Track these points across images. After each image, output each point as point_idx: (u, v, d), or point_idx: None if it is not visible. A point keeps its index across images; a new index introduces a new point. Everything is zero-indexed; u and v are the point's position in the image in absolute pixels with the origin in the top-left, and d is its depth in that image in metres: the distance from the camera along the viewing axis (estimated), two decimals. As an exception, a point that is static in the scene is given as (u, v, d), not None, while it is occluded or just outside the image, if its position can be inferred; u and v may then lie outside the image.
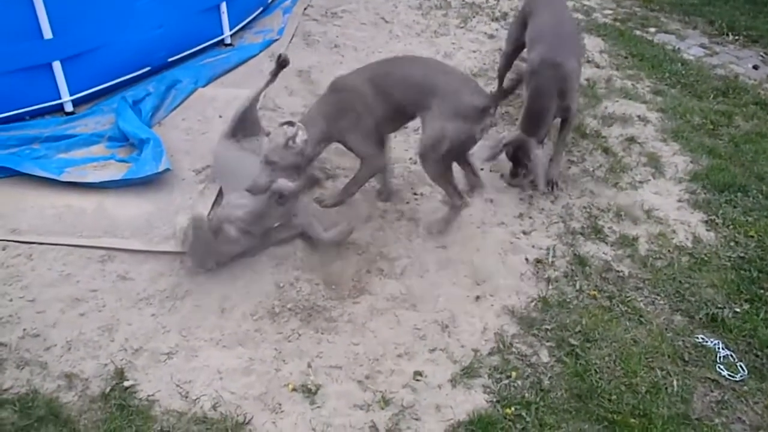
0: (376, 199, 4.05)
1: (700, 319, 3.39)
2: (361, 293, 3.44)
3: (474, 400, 2.92)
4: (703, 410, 2.95)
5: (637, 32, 6.88)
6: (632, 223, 4.02)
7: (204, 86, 5.11)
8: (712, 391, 3.05)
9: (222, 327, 3.20)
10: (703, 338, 3.28)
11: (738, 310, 3.45)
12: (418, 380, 2.99)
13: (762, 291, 3.56)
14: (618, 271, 3.67)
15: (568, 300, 3.45)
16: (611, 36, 6.61)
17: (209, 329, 3.19)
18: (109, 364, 2.97)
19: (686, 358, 3.18)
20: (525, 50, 4.58)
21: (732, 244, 3.90)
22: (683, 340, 3.27)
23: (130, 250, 3.56)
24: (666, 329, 3.32)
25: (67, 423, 2.71)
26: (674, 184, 4.41)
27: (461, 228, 3.90)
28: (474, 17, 6.83)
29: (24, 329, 3.10)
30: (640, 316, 3.38)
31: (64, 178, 3.96)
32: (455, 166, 3.79)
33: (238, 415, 2.78)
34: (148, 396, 2.85)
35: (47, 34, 4.35)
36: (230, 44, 5.80)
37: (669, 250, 3.82)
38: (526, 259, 3.71)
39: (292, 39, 5.99)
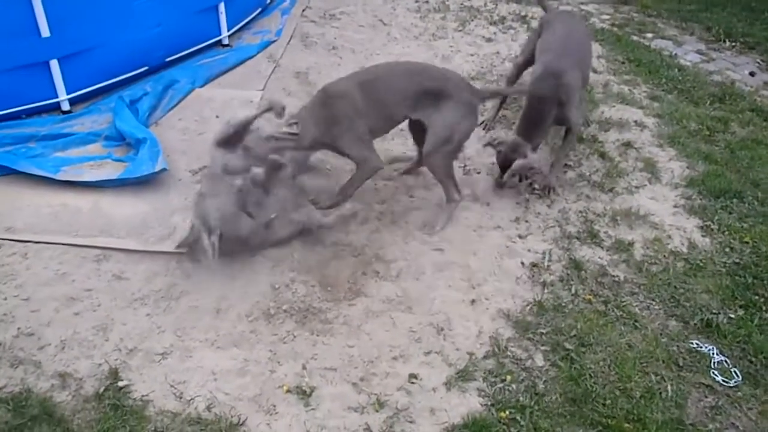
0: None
1: (695, 324, 3.40)
2: (357, 295, 3.44)
3: (469, 403, 2.92)
4: (697, 416, 2.96)
5: (635, 38, 6.91)
6: (628, 228, 4.03)
7: (201, 86, 5.11)
8: (706, 397, 3.05)
9: (217, 328, 3.19)
10: (697, 344, 3.28)
11: (732, 315, 3.45)
12: (412, 383, 2.99)
13: (756, 297, 3.57)
14: (613, 276, 3.67)
15: (563, 304, 3.45)
16: (609, 41, 6.63)
17: (204, 330, 3.18)
18: (103, 364, 2.97)
19: (681, 364, 3.18)
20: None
21: (727, 250, 3.91)
22: (678, 346, 3.27)
23: (125, 250, 3.56)
24: (661, 334, 3.33)
25: (61, 422, 2.70)
26: (670, 190, 4.42)
27: (457, 231, 3.90)
28: (472, 20, 6.84)
29: (18, 328, 3.09)
30: (635, 320, 3.39)
31: (60, 176, 3.95)
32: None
33: (232, 417, 2.78)
34: (142, 396, 2.85)
35: (45, 32, 4.35)
36: (228, 45, 5.80)
37: (664, 256, 3.83)
38: (522, 263, 3.71)
39: (290, 40, 6.00)
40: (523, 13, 7.16)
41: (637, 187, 4.41)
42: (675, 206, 4.26)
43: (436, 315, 3.34)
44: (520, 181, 4.21)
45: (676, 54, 6.57)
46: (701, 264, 3.78)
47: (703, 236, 4.02)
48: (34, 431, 2.66)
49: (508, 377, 3.03)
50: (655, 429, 2.84)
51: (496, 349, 3.17)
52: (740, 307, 3.51)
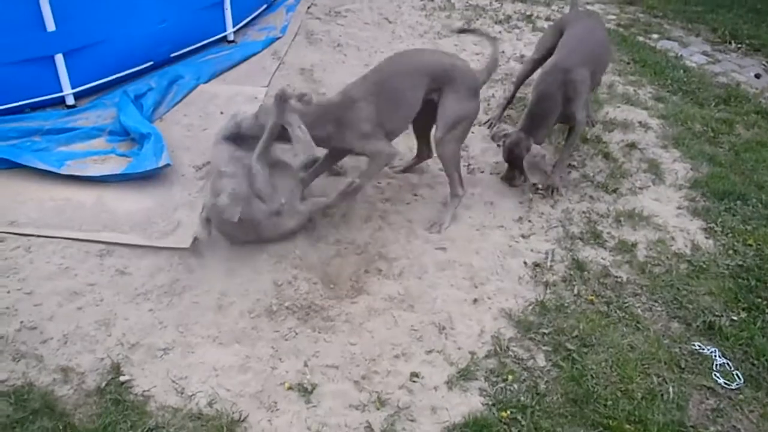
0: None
1: (697, 326, 3.39)
2: (359, 293, 3.44)
3: (470, 402, 2.92)
4: (699, 418, 2.95)
5: (640, 38, 6.89)
6: (631, 229, 4.03)
7: (206, 82, 5.12)
8: (707, 399, 3.05)
9: (219, 324, 3.20)
10: (699, 346, 3.28)
11: (735, 318, 3.45)
12: (414, 381, 2.99)
13: (759, 300, 3.56)
14: (616, 277, 3.67)
15: (565, 304, 3.45)
16: (614, 41, 6.61)
17: (206, 326, 3.18)
18: (105, 359, 2.97)
19: (683, 366, 3.18)
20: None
21: (730, 252, 3.90)
22: (680, 347, 3.27)
23: (128, 245, 3.56)
24: (663, 336, 3.32)
25: (62, 417, 2.71)
26: (674, 191, 4.41)
27: (460, 230, 3.90)
28: (477, 19, 6.84)
29: (21, 322, 3.09)
30: (638, 322, 3.38)
31: (64, 171, 3.96)
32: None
33: (233, 413, 2.78)
34: (144, 391, 2.85)
35: (50, 26, 4.35)
36: (233, 41, 5.80)
37: (667, 257, 3.82)
38: (525, 263, 3.71)
39: (295, 37, 6.00)
40: (528, 13, 7.15)
41: (640, 188, 4.40)
42: (678, 208, 4.26)
43: (438, 314, 3.34)
44: (525, 180, 4.20)
45: (681, 55, 6.56)
46: (704, 266, 3.77)
47: (706, 238, 4.01)
48: (36, 425, 2.67)
49: (510, 377, 3.03)
50: (656, 431, 2.83)
51: (498, 349, 3.17)
52: (743, 309, 3.51)
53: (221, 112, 4.70)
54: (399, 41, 6.17)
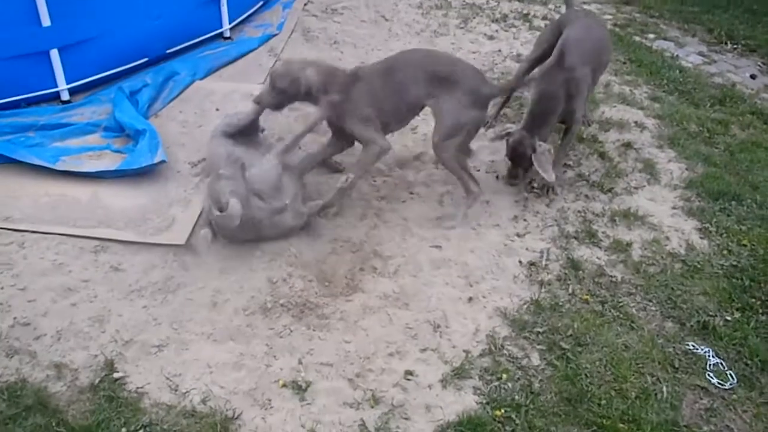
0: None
1: (691, 326, 3.40)
2: (354, 291, 3.44)
3: (464, 401, 2.92)
4: (692, 417, 2.96)
5: (636, 38, 6.90)
6: (626, 229, 4.03)
7: (202, 79, 5.10)
8: (701, 399, 3.05)
9: (213, 321, 3.19)
10: (693, 345, 3.29)
11: (729, 318, 3.46)
12: (408, 380, 2.99)
13: (753, 300, 3.57)
14: (611, 276, 3.67)
15: (560, 303, 3.45)
16: (611, 41, 6.61)
17: (200, 323, 3.18)
18: (99, 355, 2.96)
19: (676, 365, 3.18)
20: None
21: (725, 252, 3.91)
22: (674, 347, 3.28)
23: (123, 241, 3.55)
24: (657, 335, 3.33)
25: (56, 413, 2.70)
26: (669, 191, 4.42)
27: (455, 228, 3.90)
28: (474, 18, 6.83)
29: (14, 318, 3.08)
30: (632, 321, 3.39)
31: (58, 166, 3.95)
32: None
33: (227, 410, 2.78)
34: (138, 388, 2.84)
35: (45, 21, 4.33)
36: (229, 38, 5.78)
37: (662, 257, 3.83)
38: (520, 262, 3.71)
39: (291, 34, 5.98)
40: (525, 11, 7.14)
41: (636, 188, 4.41)
42: (673, 208, 4.26)
43: (433, 312, 3.34)
44: (527, 179, 4.21)
45: (677, 55, 6.57)
46: (699, 266, 3.78)
47: (701, 238, 4.02)
48: (29, 421, 2.66)
49: (504, 376, 3.03)
50: (650, 430, 2.84)
51: (493, 348, 3.17)
52: (737, 309, 3.52)
53: (217, 109, 4.69)
54: (396, 39, 6.16)
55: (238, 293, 3.34)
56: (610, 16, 7.49)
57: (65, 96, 4.68)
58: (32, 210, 3.68)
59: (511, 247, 3.81)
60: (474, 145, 4.14)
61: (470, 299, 3.44)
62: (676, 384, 3.08)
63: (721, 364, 3.21)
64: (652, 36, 7.05)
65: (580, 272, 3.67)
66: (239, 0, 5.88)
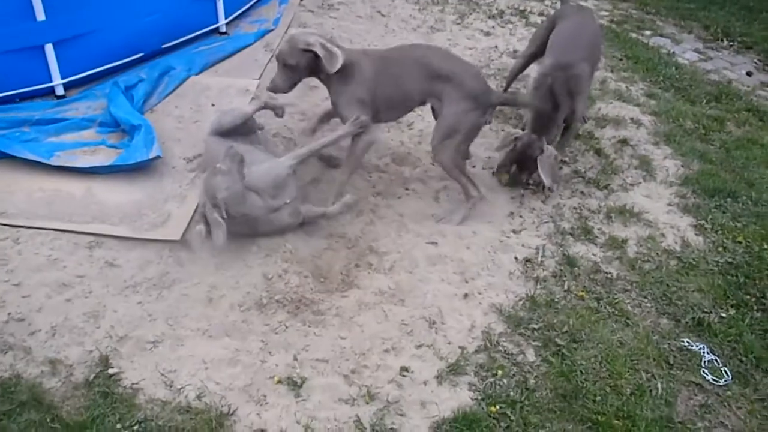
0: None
1: (687, 323, 3.40)
2: (350, 287, 3.43)
3: (459, 397, 2.92)
4: (687, 414, 2.97)
5: (633, 35, 6.90)
6: (622, 225, 4.04)
7: (197, 74, 5.08)
8: (696, 395, 3.06)
9: (209, 317, 3.18)
10: (688, 342, 3.29)
11: (724, 315, 3.46)
12: (404, 376, 2.99)
13: (748, 297, 3.58)
14: (606, 273, 3.68)
15: (555, 300, 3.45)
16: (607, 38, 6.61)
17: (196, 319, 3.17)
18: (93, 351, 2.95)
19: (671, 362, 3.19)
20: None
21: (720, 249, 3.91)
22: (669, 344, 3.28)
23: (118, 237, 3.54)
24: (652, 332, 3.33)
25: (50, 409, 2.69)
26: (665, 188, 4.42)
27: (451, 225, 3.90)
28: (471, 14, 6.82)
29: (9, 313, 3.07)
30: (627, 318, 3.39)
31: (53, 162, 3.93)
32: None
33: (222, 406, 2.77)
34: (133, 384, 2.84)
35: (40, 15, 4.31)
36: (225, 33, 5.76)
37: (657, 254, 3.84)
38: (516, 258, 3.71)
39: (287, 29, 5.96)
40: (521, 8, 7.14)
41: (631, 185, 4.41)
42: (669, 204, 4.27)
43: (429, 308, 3.34)
44: (531, 181, 4.21)
45: (673, 52, 6.57)
46: (694, 263, 3.78)
47: (696, 235, 4.02)
48: (23, 417, 2.65)
49: (499, 372, 3.03)
50: (645, 426, 2.84)
51: (488, 344, 3.17)
52: (732, 306, 3.52)
53: (213, 104, 4.68)
54: (392, 35, 6.15)
55: (234, 289, 3.34)
56: (606, 13, 7.49)
57: (60, 91, 4.66)
58: (27, 205, 3.66)
59: (507, 244, 3.81)
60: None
61: (466, 295, 3.44)
62: (671, 380, 3.09)
63: (716, 360, 3.22)
64: (648, 33, 7.06)
65: (576, 269, 3.67)
66: (235, -5, 5.87)
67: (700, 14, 7.63)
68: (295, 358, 3.02)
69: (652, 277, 3.66)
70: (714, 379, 3.12)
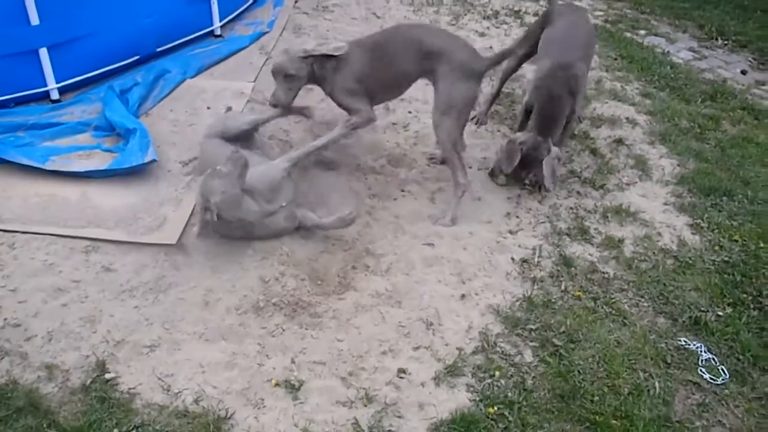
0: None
1: (684, 322, 3.41)
2: (347, 289, 3.43)
3: (457, 398, 2.92)
4: (685, 413, 2.97)
5: (628, 34, 6.91)
6: (618, 225, 4.04)
7: (193, 77, 5.07)
8: (693, 394, 3.07)
9: (205, 320, 3.18)
10: (685, 341, 3.30)
11: (721, 313, 3.47)
12: (401, 378, 2.99)
13: (745, 295, 3.59)
14: (603, 273, 3.68)
15: (553, 300, 3.45)
16: (601, 37, 6.63)
17: (192, 322, 3.16)
18: (90, 356, 2.95)
19: (669, 361, 3.19)
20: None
21: (716, 248, 3.92)
22: (666, 343, 3.29)
23: (114, 241, 3.53)
24: (649, 331, 3.34)
25: (47, 414, 2.69)
26: (661, 187, 4.43)
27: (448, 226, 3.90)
28: (465, 15, 6.82)
29: (5, 319, 3.06)
30: (624, 317, 3.39)
31: (48, 166, 3.91)
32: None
33: (219, 410, 2.77)
34: (130, 389, 2.83)
35: (34, 20, 4.29)
36: (220, 35, 5.75)
37: (654, 253, 3.84)
38: (512, 259, 3.71)
39: (282, 32, 5.96)
40: (516, 8, 7.15)
41: (627, 184, 4.42)
42: (665, 204, 4.27)
43: (426, 310, 3.34)
44: (534, 182, 4.22)
45: (668, 51, 6.58)
46: (690, 262, 3.79)
47: (692, 234, 4.03)
48: (20, 423, 2.64)
49: (497, 373, 3.03)
50: (643, 426, 2.85)
51: (485, 345, 3.17)
52: (728, 305, 3.53)
53: (208, 107, 4.67)
54: (387, 36, 6.14)
55: (230, 292, 3.33)
56: (601, 12, 7.50)
57: (55, 95, 4.64)
58: (22, 210, 3.65)
59: (504, 244, 3.81)
60: (467, 142, 4.14)
61: (463, 296, 3.44)
62: (669, 379, 3.10)
63: (713, 359, 3.22)
64: (643, 32, 7.06)
65: (573, 269, 3.67)
66: (230, -2, 5.85)
67: (694, 13, 7.65)
68: (293, 361, 3.02)
69: (649, 277, 3.66)
70: (711, 378, 3.12)
